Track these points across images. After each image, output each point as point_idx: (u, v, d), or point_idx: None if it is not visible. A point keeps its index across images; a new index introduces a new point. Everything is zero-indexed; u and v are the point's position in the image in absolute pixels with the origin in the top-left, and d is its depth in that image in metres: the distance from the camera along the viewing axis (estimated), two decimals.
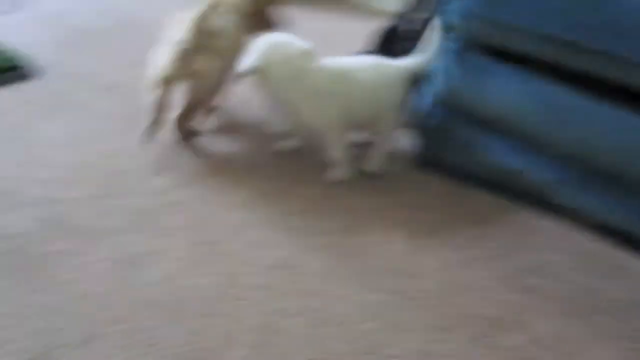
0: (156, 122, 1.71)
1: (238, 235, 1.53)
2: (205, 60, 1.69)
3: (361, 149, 1.84)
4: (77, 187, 1.63)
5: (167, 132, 1.82)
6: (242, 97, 2.01)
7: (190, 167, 1.77)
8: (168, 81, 1.67)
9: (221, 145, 1.90)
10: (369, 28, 2.18)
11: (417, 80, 1.82)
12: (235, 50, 1.75)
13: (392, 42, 2.16)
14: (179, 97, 1.74)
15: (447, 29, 1.77)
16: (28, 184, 1.61)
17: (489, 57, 1.71)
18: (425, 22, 2.17)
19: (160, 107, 1.70)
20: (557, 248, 1.61)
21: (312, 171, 1.79)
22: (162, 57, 1.68)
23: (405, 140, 1.94)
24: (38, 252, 1.40)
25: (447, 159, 1.84)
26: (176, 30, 1.70)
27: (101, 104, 2.05)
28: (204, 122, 1.90)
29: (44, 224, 1.48)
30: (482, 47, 1.73)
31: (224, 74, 1.77)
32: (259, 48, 1.62)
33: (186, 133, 1.81)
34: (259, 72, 1.61)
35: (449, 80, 1.76)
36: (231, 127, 1.99)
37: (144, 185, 1.67)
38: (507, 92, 1.66)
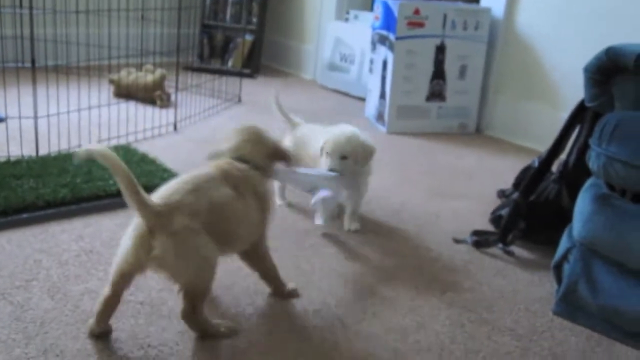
0: None
1: None
2: None
3: None
4: None
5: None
6: None
7: None
8: None
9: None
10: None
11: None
12: None
13: (536, 182, 2.13)
14: None
15: (592, 172, 1.73)
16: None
17: (635, 203, 1.64)
18: (565, 166, 2.14)
19: None
20: None
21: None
22: None
23: (545, 285, 1.86)
24: None
25: (588, 305, 1.72)
26: None
27: None
28: None
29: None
30: (626, 192, 1.66)
31: None
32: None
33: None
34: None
35: (589, 224, 1.69)
36: None
37: None
38: None
